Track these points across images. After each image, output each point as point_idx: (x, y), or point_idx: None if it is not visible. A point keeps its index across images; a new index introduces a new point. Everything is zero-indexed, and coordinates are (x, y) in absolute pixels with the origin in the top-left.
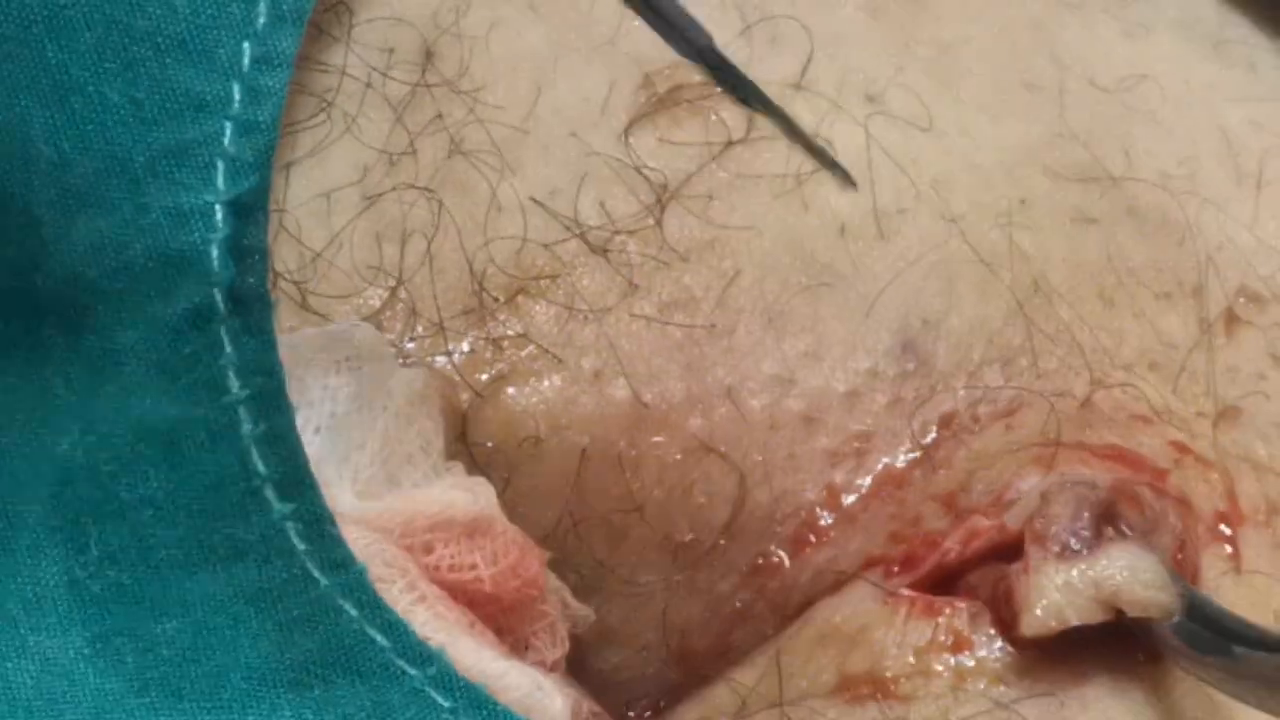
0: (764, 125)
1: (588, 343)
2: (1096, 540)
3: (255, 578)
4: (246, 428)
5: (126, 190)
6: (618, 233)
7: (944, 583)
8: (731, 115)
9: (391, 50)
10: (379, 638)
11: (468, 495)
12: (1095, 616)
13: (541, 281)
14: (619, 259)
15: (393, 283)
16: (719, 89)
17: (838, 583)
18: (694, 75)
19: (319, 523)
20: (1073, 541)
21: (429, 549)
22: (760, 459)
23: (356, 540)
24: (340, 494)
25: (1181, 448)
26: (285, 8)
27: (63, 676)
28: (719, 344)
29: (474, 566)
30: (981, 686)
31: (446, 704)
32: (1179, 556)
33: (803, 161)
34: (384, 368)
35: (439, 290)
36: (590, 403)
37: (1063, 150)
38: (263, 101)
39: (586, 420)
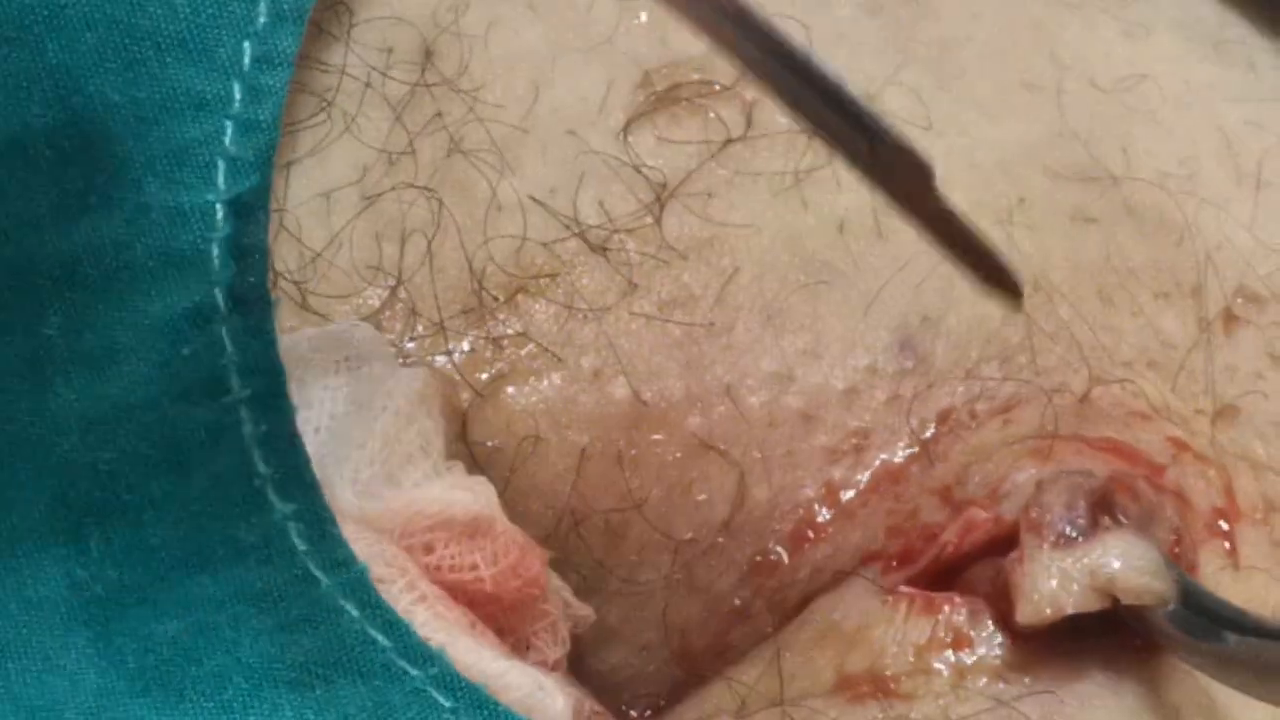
0: (763, 123)
1: (587, 341)
2: (1092, 528)
3: (256, 578)
4: (248, 428)
5: (127, 190)
6: (617, 231)
7: (942, 577)
8: (729, 113)
9: (391, 49)
10: (380, 638)
11: (468, 495)
12: (1091, 604)
13: (541, 280)
14: (618, 257)
15: (392, 282)
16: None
17: (836, 579)
18: (692, 73)
19: (320, 523)
20: (1068, 529)
21: (429, 549)
22: (759, 456)
23: (357, 540)
24: (341, 494)
25: (1180, 444)
26: (286, 7)
27: (64, 677)
28: (718, 342)
29: (474, 566)
30: (982, 684)
31: (448, 704)
32: (1175, 550)
33: (801, 159)
34: (384, 367)
35: (439, 289)
36: (590, 401)
37: (1062, 150)
38: (263, 101)
39: (586, 419)
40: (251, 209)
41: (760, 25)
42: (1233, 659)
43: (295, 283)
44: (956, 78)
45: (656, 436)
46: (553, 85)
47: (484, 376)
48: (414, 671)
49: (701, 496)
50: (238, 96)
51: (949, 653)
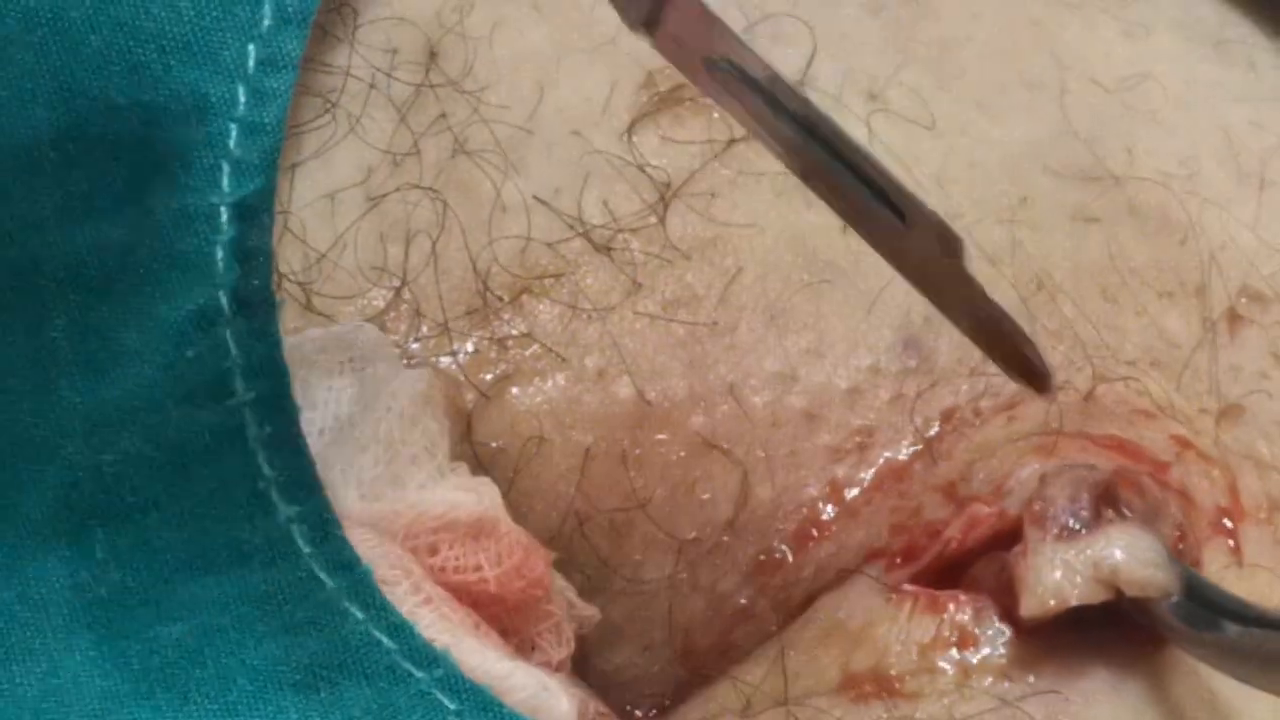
0: None
1: (591, 341)
2: (1095, 521)
3: (261, 580)
4: (252, 430)
5: (131, 193)
6: (621, 231)
7: (946, 574)
8: None
9: (395, 51)
10: (385, 639)
11: (472, 496)
12: (1095, 596)
13: (545, 280)
14: (622, 257)
15: (397, 283)
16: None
17: (841, 577)
18: None
19: (325, 525)
20: (1071, 522)
21: (434, 550)
22: (763, 455)
23: (361, 542)
24: (345, 496)
25: (1184, 442)
26: (290, 9)
27: (68, 679)
28: (721, 341)
29: (479, 567)
30: (987, 683)
31: (453, 706)
32: (1179, 547)
33: None
34: (388, 369)
35: (443, 290)
36: (594, 401)
37: (1064, 149)
38: (268, 103)
39: (590, 419)
40: (256, 212)
41: (796, 103)
42: (1235, 650)
43: (300, 284)
44: (957, 77)
45: (660, 436)
46: (557, 86)
47: (488, 377)
48: (419, 673)
49: (705, 496)
50: (242, 99)
51: (954, 651)
